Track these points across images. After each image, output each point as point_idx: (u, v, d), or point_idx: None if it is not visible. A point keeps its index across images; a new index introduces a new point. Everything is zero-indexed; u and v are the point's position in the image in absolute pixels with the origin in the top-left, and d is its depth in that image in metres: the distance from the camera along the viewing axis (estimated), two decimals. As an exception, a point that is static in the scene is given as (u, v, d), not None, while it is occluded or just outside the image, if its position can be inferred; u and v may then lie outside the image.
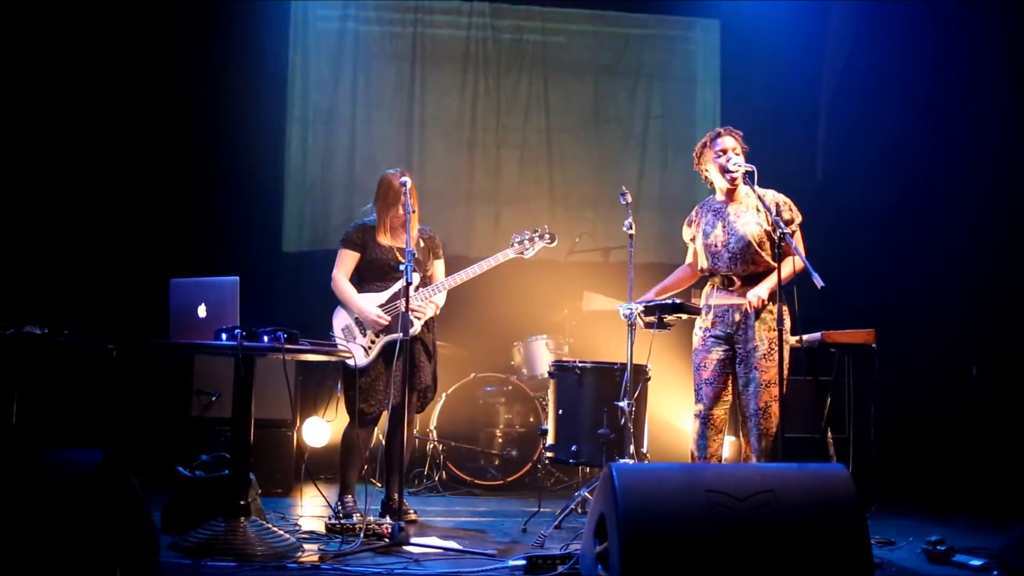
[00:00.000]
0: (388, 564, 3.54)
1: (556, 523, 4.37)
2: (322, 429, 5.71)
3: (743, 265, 4.23)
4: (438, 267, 4.74)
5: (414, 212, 4.39)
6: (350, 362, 4.42)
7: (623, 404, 4.33)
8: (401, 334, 4.21)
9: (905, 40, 6.45)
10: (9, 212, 5.81)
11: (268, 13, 6.72)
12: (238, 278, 3.79)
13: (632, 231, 4.48)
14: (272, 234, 6.73)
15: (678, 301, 4.36)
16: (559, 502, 4.86)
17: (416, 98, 6.94)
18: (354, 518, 4.28)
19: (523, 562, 3.48)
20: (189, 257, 6.00)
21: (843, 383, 5.43)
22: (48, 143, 6.02)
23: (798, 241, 4.19)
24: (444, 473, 5.92)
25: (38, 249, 5.89)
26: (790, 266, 4.14)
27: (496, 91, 7.03)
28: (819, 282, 3.68)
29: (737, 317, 4.22)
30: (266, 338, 3.67)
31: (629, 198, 4.50)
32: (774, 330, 4.01)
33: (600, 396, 4.58)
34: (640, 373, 4.60)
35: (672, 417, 6.10)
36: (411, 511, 4.64)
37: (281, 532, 3.80)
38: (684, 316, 4.39)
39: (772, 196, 4.25)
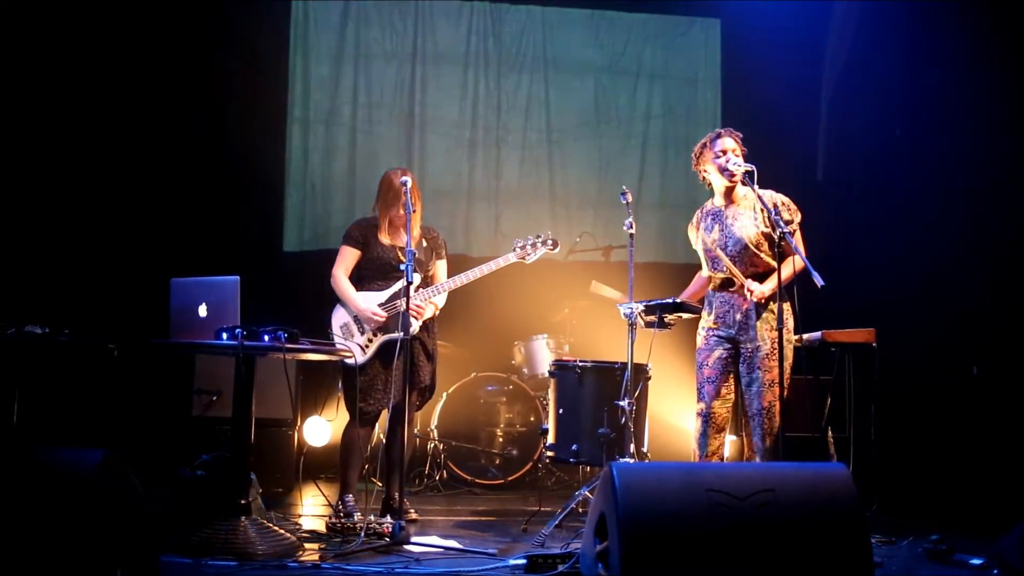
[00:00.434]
0: (389, 563, 3.55)
1: (556, 522, 4.37)
2: (323, 428, 5.71)
3: (742, 267, 4.23)
4: (440, 267, 4.74)
5: (415, 211, 4.39)
6: (349, 361, 4.42)
7: (624, 403, 4.33)
8: (400, 333, 4.22)
9: (906, 39, 6.45)
10: (10, 212, 5.81)
11: (269, 13, 6.72)
12: (239, 277, 3.80)
13: (633, 231, 4.49)
14: (273, 234, 6.73)
15: (679, 300, 4.36)
16: (559, 501, 4.86)
17: (416, 98, 6.94)
18: (355, 517, 4.29)
19: (524, 561, 3.49)
20: (190, 256, 6.00)
21: (843, 382, 5.42)
22: (49, 143, 6.02)
23: (798, 241, 4.19)
24: (445, 472, 5.92)
25: (39, 249, 5.89)
26: (790, 266, 4.14)
27: (496, 91, 7.02)
28: (819, 281, 3.69)
29: (739, 317, 4.22)
30: (267, 337, 3.68)
31: (630, 198, 4.51)
32: (776, 329, 4.01)
33: (601, 395, 4.58)
34: (640, 372, 4.60)
35: (672, 416, 6.10)
36: (412, 510, 4.64)
37: (282, 531, 3.80)
38: (685, 315, 4.40)
39: (771, 196, 4.24)
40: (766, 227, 4.17)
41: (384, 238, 4.59)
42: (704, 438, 4.24)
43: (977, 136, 6.18)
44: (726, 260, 4.24)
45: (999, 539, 3.76)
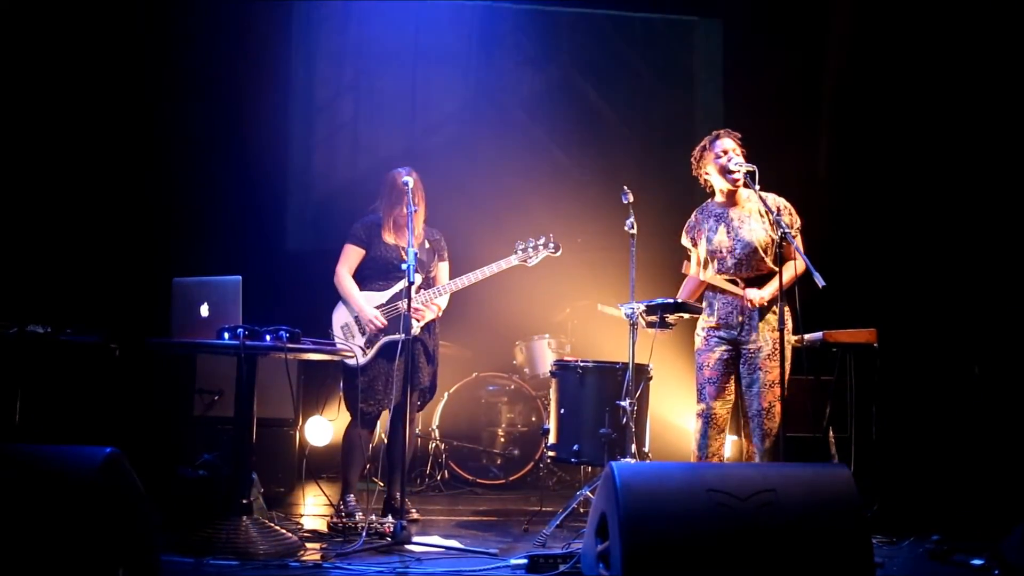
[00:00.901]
0: (390, 563, 3.55)
1: (558, 522, 4.37)
2: (324, 428, 5.72)
3: (747, 270, 4.23)
4: (442, 269, 4.75)
5: (417, 211, 4.40)
6: (350, 361, 4.43)
7: (625, 403, 4.34)
8: (402, 334, 4.22)
9: (909, 40, 6.44)
10: (11, 211, 5.81)
11: (270, 13, 6.72)
12: (240, 277, 3.80)
13: (634, 231, 4.49)
14: (275, 233, 6.74)
15: (680, 300, 4.36)
16: (561, 501, 4.86)
17: (417, 98, 6.94)
18: (356, 517, 4.29)
19: (525, 561, 3.49)
20: (192, 256, 6.00)
21: (845, 383, 5.42)
22: (51, 143, 6.02)
23: (798, 244, 4.19)
24: (446, 472, 5.92)
25: (41, 248, 5.89)
26: (791, 270, 4.14)
27: (498, 91, 7.02)
28: (820, 282, 3.69)
29: (740, 318, 4.22)
30: (268, 337, 3.69)
31: (631, 197, 4.51)
32: (777, 330, 4.01)
33: (602, 395, 4.58)
34: (642, 372, 4.61)
35: (674, 416, 6.10)
36: (413, 510, 4.65)
37: (283, 531, 3.81)
38: (686, 315, 4.40)
39: (773, 200, 4.24)
40: (773, 231, 4.17)
41: (387, 237, 4.59)
42: (705, 439, 4.24)
43: (981, 136, 6.17)
44: (728, 267, 4.23)
45: (1000, 539, 3.76)
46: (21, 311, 4.71)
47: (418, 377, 4.57)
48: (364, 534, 3.90)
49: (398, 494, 4.24)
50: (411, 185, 4.32)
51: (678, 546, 2.70)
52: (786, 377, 3.97)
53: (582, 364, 4.71)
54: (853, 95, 6.77)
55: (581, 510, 4.55)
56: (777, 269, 4.05)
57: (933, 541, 3.96)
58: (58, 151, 6.05)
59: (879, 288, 6.28)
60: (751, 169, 4.12)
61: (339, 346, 4.36)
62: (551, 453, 4.79)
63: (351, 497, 4.53)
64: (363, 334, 4.53)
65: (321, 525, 4.34)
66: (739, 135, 4.34)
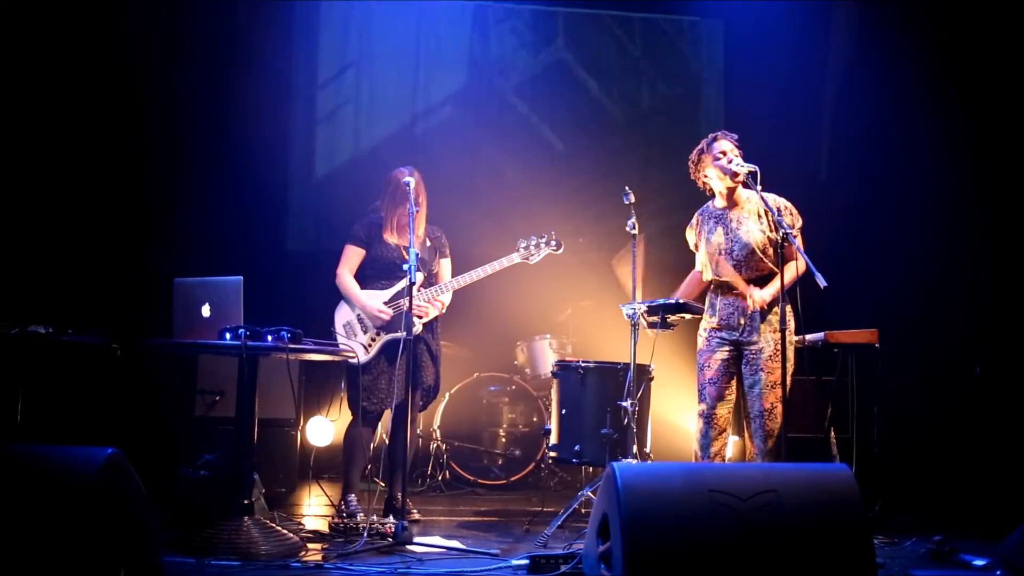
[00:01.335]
0: (391, 563, 3.55)
1: (559, 523, 4.37)
2: (326, 428, 5.72)
3: (747, 271, 4.23)
4: (444, 266, 4.75)
5: (419, 210, 4.40)
6: (352, 360, 4.43)
7: (626, 404, 4.34)
8: (404, 333, 4.22)
9: (909, 40, 6.44)
10: (13, 211, 5.81)
11: (272, 13, 6.73)
12: (241, 278, 3.81)
13: (635, 231, 4.49)
14: (276, 234, 6.74)
15: (681, 301, 4.36)
16: (562, 502, 4.86)
17: (419, 98, 6.95)
18: (358, 517, 4.29)
19: (526, 562, 3.49)
20: (193, 257, 6.01)
21: (846, 383, 5.41)
22: (52, 143, 6.02)
23: (799, 245, 4.19)
24: (447, 473, 5.92)
25: (42, 248, 5.89)
26: (792, 270, 4.14)
27: (499, 91, 7.03)
28: (822, 282, 3.69)
29: (743, 320, 4.22)
30: (270, 337, 3.69)
31: (632, 198, 4.50)
32: (779, 331, 4.01)
33: (603, 396, 4.58)
34: (643, 373, 4.61)
35: (675, 417, 6.10)
36: (414, 511, 4.65)
37: (285, 531, 3.81)
38: (687, 316, 4.40)
39: (774, 200, 4.24)
40: (771, 232, 4.17)
41: (389, 237, 4.59)
42: (706, 439, 4.24)
43: (981, 136, 6.17)
44: (728, 268, 4.23)
45: (1003, 540, 3.75)
46: (23, 311, 4.71)
47: (421, 376, 4.57)
48: (365, 535, 3.90)
49: (399, 494, 4.24)
50: (413, 185, 4.32)
51: (679, 547, 2.69)
52: (788, 378, 3.97)
53: (583, 364, 4.71)
54: (853, 94, 6.77)
55: (583, 511, 4.55)
56: (777, 269, 4.05)
57: (935, 541, 3.95)
58: (59, 152, 6.05)
59: (880, 288, 6.28)
60: (752, 169, 4.12)
61: (340, 346, 4.36)
62: (552, 453, 4.79)
63: (352, 497, 4.53)
64: (365, 332, 4.53)
65: (322, 525, 4.34)
66: (736, 136, 4.33)
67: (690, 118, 7.22)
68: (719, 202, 4.36)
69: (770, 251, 4.20)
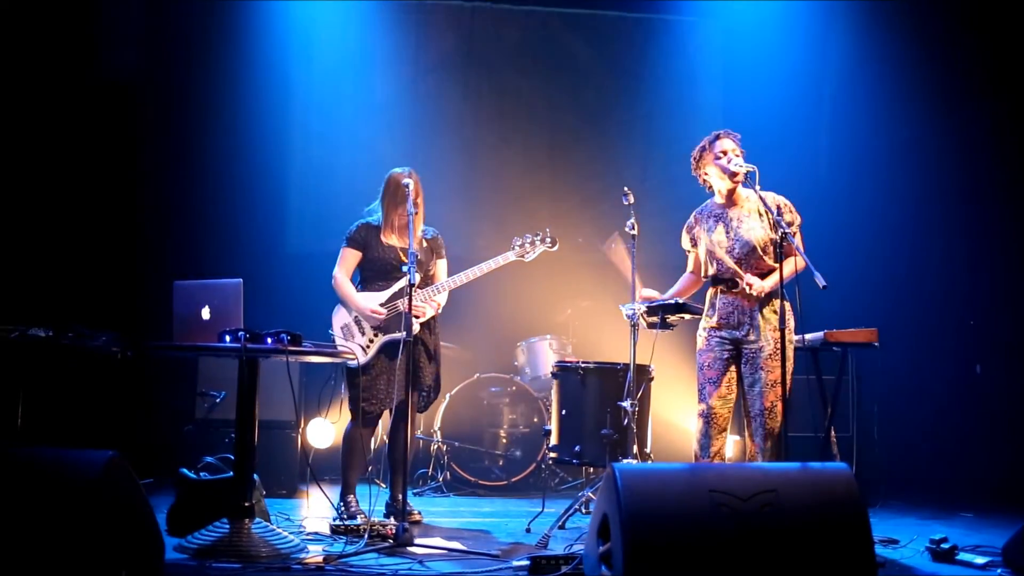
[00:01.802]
0: (392, 565, 3.55)
1: (560, 523, 4.37)
2: (326, 430, 5.72)
3: (746, 269, 4.23)
4: (440, 267, 4.75)
5: (417, 212, 4.40)
6: (351, 362, 4.43)
7: (626, 404, 4.34)
8: (403, 334, 4.22)
9: (909, 40, 6.44)
10: (13, 214, 5.82)
11: (271, 15, 6.73)
12: (241, 280, 3.81)
13: (634, 231, 4.49)
14: (276, 236, 6.74)
15: (681, 301, 4.36)
16: (563, 502, 4.86)
17: (418, 99, 6.95)
18: (358, 519, 4.29)
19: (527, 562, 3.49)
20: (193, 259, 6.01)
21: (846, 382, 5.43)
22: (52, 146, 6.03)
23: (798, 243, 4.19)
24: (448, 474, 5.92)
25: (42, 251, 5.90)
26: (791, 266, 4.14)
27: (498, 92, 7.03)
28: (821, 281, 3.69)
29: (743, 318, 4.22)
30: (269, 340, 3.69)
31: (631, 198, 4.51)
32: (778, 330, 4.00)
33: (603, 396, 4.58)
34: (643, 373, 4.61)
35: (675, 417, 6.10)
36: (415, 512, 4.65)
37: (285, 533, 3.81)
38: (687, 316, 4.40)
39: (773, 198, 4.24)
40: (772, 231, 4.17)
41: (386, 238, 4.60)
42: (706, 439, 4.24)
43: (981, 135, 6.18)
44: (730, 262, 4.24)
45: (1003, 539, 3.76)
46: (23, 314, 4.71)
47: (420, 376, 4.57)
48: (366, 536, 3.90)
49: (400, 495, 4.24)
50: (412, 187, 4.32)
51: (680, 547, 2.69)
52: (788, 377, 3.97)
53: (583, 365, 4.71)
54: (852, 95, 6.78)
55: (583, 511, 4.55)
56: (777, 268, 4.05)
57: (935, 540, 3.95)
58: (58, 155, 6.06)
59: (880, 288, 6.29)
60: (751, 169, 4.12)
61: (340, 348, 4.36)
62: (553, 454, 4.79)
63: (352, 498, 4.54)
64: (363, 334, 4.53)
65: (323, 527, 4.34)
66: (738, 135, 4.33)
67: (689, 118, 7.21)
68: (719, 200, 4.36)
69: (771, 250, 4.20)
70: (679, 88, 7.25)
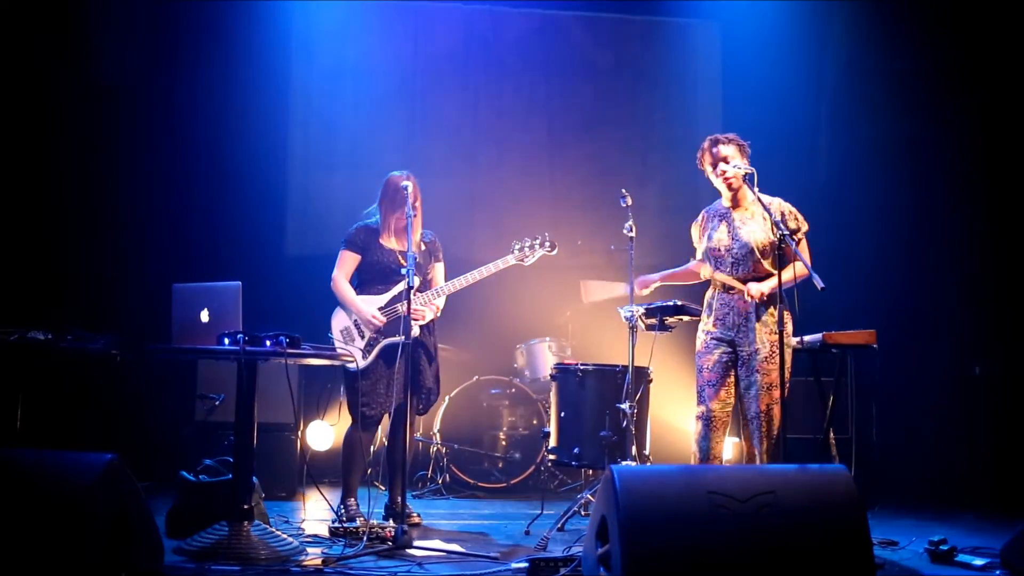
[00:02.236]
0: (391, 567, 3.55)
1: (559, 525, 4.37)
2: (325, 433, 5.72)
3: (745, 271, 4.24)
4: (438, 270, 4.76)
5: (416, 215, 4.41)
6: (351, 365, 4.43)
7: (625, 406, 4.34)
8: (402, 337, 4.23)
9: (908, 41, 6.45)
10: (12, 217, 5.82)
11: (269, 18, 6.73)
12: (240, 283, 3.81)
13: (632, 233, 4.49)
14: (274, 238, 6.74)
15: (679, 303, 4.37)
16: (562, 504, 4.86)
17: (417, 101, 6.95)
18: (357, 521, 4.30)
19: (526, 565, 3.49)
20: (191, 262, 6.01)
21: (845, 384, 5.43)
22: (52, 148, 6.04)
23: (803, 250, 4.20)
24: (447, 476, 5.92)
25: (42, 254, 5.90)
26: (791, 272, 4.14)
27: (497, 94, 7.02)
28: (819, 283, 3.69)
29: (738, 319, 4.22)
30: (268, 342, 3.69)
31: (629, 200, 4.51)
32: (775, 332, 4.01)
33: (602, 398, 4.59)
34: (642, 375, 4.61)
35: (674, 419, 6.10)
36: (414, 514, 4.65)
37: (284, 536, 3.81)
38: (685, 318, 4.40)
39: (779, 204, 4.26)
40: (773, 234, 4.18)
41: (385, 241, 4.60)
42: (705, 441, 4.24)
43: (980, 136, 6.18)
44: (725, 277, 4.24)
45: (1003, 540, 3.76)
46: (22, 317, 4.71)
47: (421, 379, 4.57)
48: (365, 538, 3.90)
49: (399, 498, 4.25)
50: (410, 189, 4.32)
51: (678, 548, 2.70)
52: (786, 379, 3.98)
53: (582, 367, 4.71)
54: (852, 96, 6.78)
55: (582, 513, 4.55)
56: (776, 272, 4.06)
57: (934, 542, 3.95)
58: (58, 157, 6.06)
59: (879, 289, 6.29)
60: (749, 171, 4.13)
61: (339, 350, 4.36)
62: (552, 456, 4.79)
63: (351, 501, 4.54)
64: (363, 337, 4.54)
65: (322, 529, 4.34)
66: (735, 138, 4.33)
67: (688, 121, 7.22)
68: (724, 201, 4.38)
69: (770, 253, 4.21)
70: (678, 89, 7.25)
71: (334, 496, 4.82)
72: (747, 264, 4.23)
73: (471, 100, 7.00)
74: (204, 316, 3.80)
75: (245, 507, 3.76)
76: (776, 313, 3.91)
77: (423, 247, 4.66)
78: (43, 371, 4.96)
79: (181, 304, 3.86)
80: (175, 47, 6.36)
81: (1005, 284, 6.03)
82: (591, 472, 5.60)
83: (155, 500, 3.38)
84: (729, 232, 4.28)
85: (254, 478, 3.93)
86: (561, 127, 7.09)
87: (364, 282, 4.61)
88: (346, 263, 4.61)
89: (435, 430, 5.94)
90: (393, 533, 3.87)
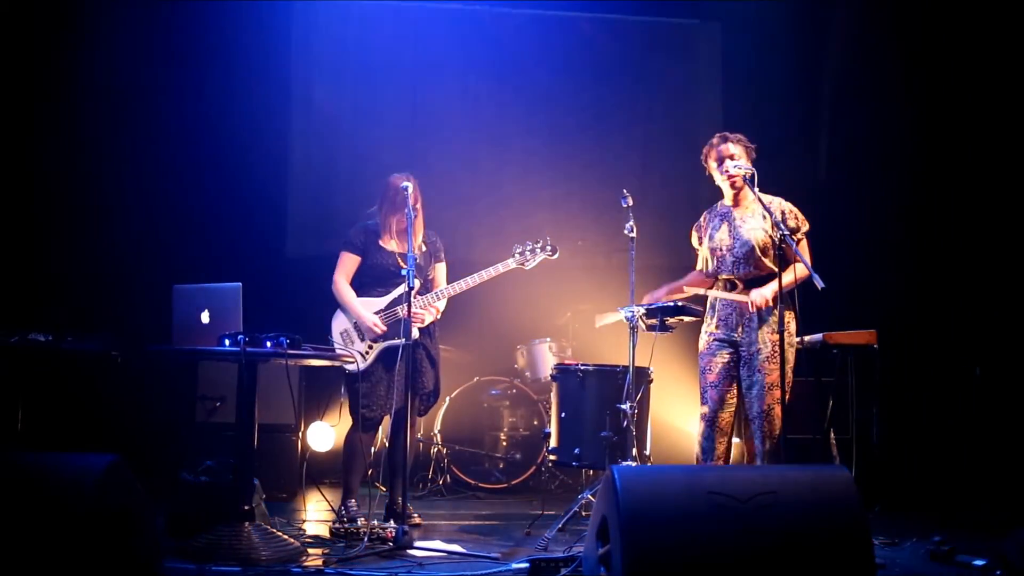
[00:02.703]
0: (392, 568, 3.56)
1: (559, 526, 4.37)
2: (326, 434, 5.72)
3: (746, 269, 4.25)
4: (440, 270, 4.76)
5: (416, 216, 4.41)
6: (351, 367, 4.44)
7: (625, 406, 4.34)
8: (402, 339, 4.23)
9: (908, 41, 6.45)
10: (12, 218, 5.83)
11: (270, 19, 6.73)
12: (240, 284, 3.82)
13: (633, 234, 4.49)
14: (275, 239, 6.74)
15: (680, 303, 4.37)
16: (562, 505, 4.86)
17: (417, 102, 6.95)
18: (358, 522, 4.30)
19: (526, 565, 3.49)
20: (192, 263, 6.01)
21: (845, 384, 5.43)
22: (52, 150, 6.04)
23: (803, 250, 4.21)
24: (448, 477, 5.93)
25: (42, 255, 5.90)
26: (792, 273, 4.14)
27: (497, 94, 7.02)
28: (820, 283, 3.70)
29: (741, 320, 4.23)
30: (269, 343, 3.70)
31: (630, 201, 4.51)
32: (777, 332, 4.01)
33: (603, 399, 4.59)
34: (642, 375, 4.61)
35: (674, 419, 6.11)
36: (415, 515, 4.65)
37: (285, 537, 3.81)
38: (686, 319, 4.41)
39: (779, 204, 4.27)
40: (774, 234, 4.18)
41: (385, 243, 4.60)
42: (708, 442, 4.25)
43: (980, 135, 6.18)
44: (727, 266, 4.25)
45: (1002, 540, 3.76)
46: (22, 319, 4.72)
47: (421, 381, 4.58)
48: (366, 539, 3.90)
49: (400, 499, 4.25)
50: (410, 191, 4.33)
51: (679, 549, 2.70)
52: (787, 379, 3.98)
53: (583, 368, 4.71)
54: (852, 96, 6.78)
55: (583, 513, 4.56)
56: (777, 271, 4.06)
57: (935, 542, 3.95)
58: (58, 158, 6.06)
59: (879, 289, 6.29)
60: (749, 172, 4.14)
61: (339, 351, 4.36)
62: (552, 457, 4.79)
63: (352, 502, 4.54)
64: (362, 340, 4.54)
65: (323, 530, 4.34)
66: (747, 140, 4.34)
67: (689, 121, 7.22)
68: (726, 201, 4.40)
69: (770, 251, 4.22)
70: (679, 89, 7.25)
71: (335, 497, 4.83)
72: (749, 263, 4.24)
73: (471, 100, 7.00)
74: (205, 317, 3.80)
75: (246, 508, 3.76)
76: (778, 313, 3.92)
77: (424, 248, 4.66)
78: (44, 373, 4.96)
79: (181, 305, 3.87)
80: (176, 47, 6.36)
81: (1006, 284, 6.02)
82: (592, 472, 5.60)
83: (156, 501, 3.38)
84: (730, 231, 4.30)
85: (255, 479, 3.93)
86: (562, 127, 7.08)
87: (364, 284, 4.62)
88: (346, 265, 4.62)
89: (436, 431, 5.94)
90: (394, 534, 3.87)
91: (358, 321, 4.54)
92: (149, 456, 4.94)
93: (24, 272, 5.75)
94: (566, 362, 5.26)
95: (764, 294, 4.17)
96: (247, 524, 3.71)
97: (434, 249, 4.73)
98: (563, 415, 4.73)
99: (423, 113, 6.95)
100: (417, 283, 4.36)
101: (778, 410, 4.09)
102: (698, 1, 7.21)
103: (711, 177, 4.42)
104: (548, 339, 6.22)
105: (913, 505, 5.47)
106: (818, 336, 4.74)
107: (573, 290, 6.34)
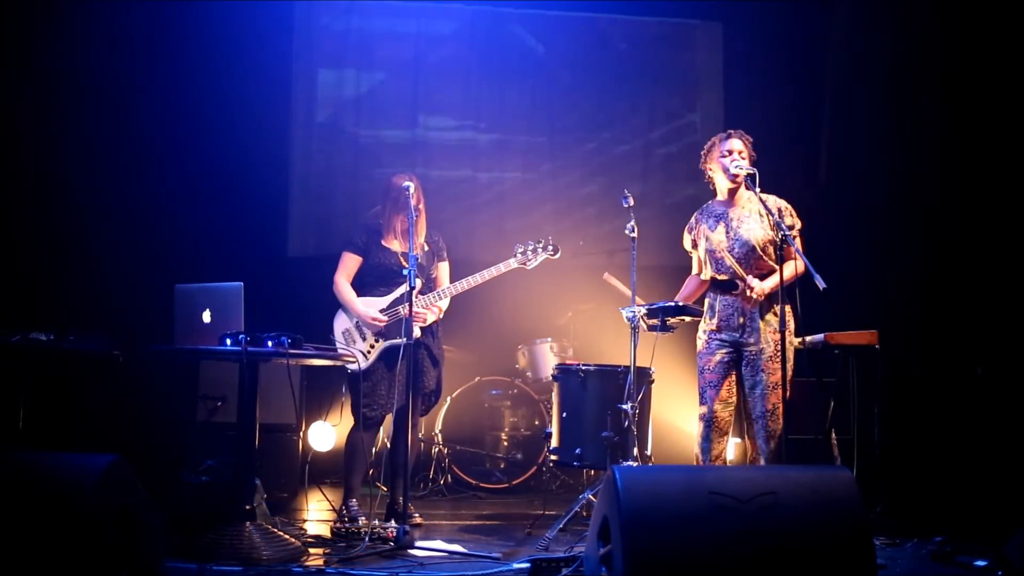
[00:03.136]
0: (393, 568, 3.56)
1: (560, 526, 4.37)
2: (327, 433, 5.72)
3: (746, 269, 4.24)
4: (442, 269, 4.76)
5: (418, 216, 4.41)
6: (352, 366, 4.44)
7: (627, 407, 4.34)
8: (404, 339, 4.23)
9: (908, 40, 6.44)
10: (14, 218, 5.83)
11: (271, 19, 6.73)
12: (242, 284, 3.82)
13: (635, 234, 4.49)
14: (277, 239, 6.74)
15: (680, 303, 4.37)
16: (564, 505, 4.86)
17: (419, 102, 6.95)
18: (359, 522, 4.30)
19: (528, 565, 3.49)
20: (193, 263, 6.01)
21: (847, 384, 5.42)
22: (53, 149, 6.04)
23: (798, 246, 4.21)
24: (449, 476, 5.93)
25: (43, 255, 5.90)
26: (791, 269, 4.16)
27: (499, 95, 7.03)
28: (821, 283, 3.70)
29: (742, 320, 4.23)
30: (270, 343, 3.70)
31: (631, 201, 4.52)
32: (778, 332, 4.01)
33: (604, 399, 4.59)
34: (644, 375, 4.61)
35: (676, 419, 6.10)
36: (416, 515, 4.66)
37: (286, 536, 3.81)
38: (687, 319, 4.41)
39: (774, 201, 4.27)
40: (772, 231, 4.19)
41: (387, 243, 4.61)
42: (707, 442, 4.25)
43: (980, 135, 6.17)
44: (731, 260, 4.25)
45: (1004, 541, 3.75)
46: (24, 318, 4.72)
47: (423, 381, 4.58)
48: (367, 539, 3.90)
49: (401, 498, 4.25)
50: (412, 191, 4.33)
51: (680, 549, 2.70)
52: (788, 379, 3.98)
53: (584, 368, 4.71)
54: (852, 96, 6.78)
55: (584, 514, 4.55)
56: (776, 268, 4.07)
57: (936, 542, 3.96)
58: (59, 158, 6.06)
59: (880, 289, 6.29)
60: (751, 172, 4.15)
61: (340, 351, 4.37)
62: (553, 457, 4.79)
63: (354, 502, 4.54)
64: (364, 339, 4.54)
65: (324, 530, 4.34)
66: (751, 138, 4.35)
67: (689, 120, 7.22)
68: (720, 200, 4.39)
69: (770, 250, 4.22)
70: (680, 89, 7.25)
71: (336, 497, 4.83)
72: (748, 262, 4.24)
73: (473, 100, 7.01)
74: (206, 317, 3.81)
75: (247, 507, 3.76)
76: (779, 312, 3.92)
77: (427, 248, 4.66)
78: (45, 372, 4.95)
79: (183, 305, 3.87)
80: (176, 46, 6.36)
81: (1007, 284, 6.01)
82: (593, 473, 5.60)
83: (157, 500, 3.38)
84: (727, 232, 4.29)
85: (256, 479, 3.93)
86: (563, 127, 7.08)
87: (366, 284, 4.62)
88: (348, 265, 4.62)
89: (437, 431, 5.94)
90: (395, 533, 3.88)
91: (358, 317, 4.54)
92: (150, 456, 4.95)
93: (26, 271, 5.75)
94: (567, 362, 5.26)
95: (763, 286, 4.18)
96: (248, 524, 3.72)
97: (437, 248, 4.74)
98: (564, 415, 4.73)
99: (424, 112, 6.95)
100: (419, 283, 4.37)
101: (781, 410, 4.09)
102: (699, 1, 7.20)
103: (710, 177, 4.41)
104: (549, 339, 6.22)
105: (915, 506, 5.46)
106: (819, 336, 4.74)
107: (574, 290, 6.34)
